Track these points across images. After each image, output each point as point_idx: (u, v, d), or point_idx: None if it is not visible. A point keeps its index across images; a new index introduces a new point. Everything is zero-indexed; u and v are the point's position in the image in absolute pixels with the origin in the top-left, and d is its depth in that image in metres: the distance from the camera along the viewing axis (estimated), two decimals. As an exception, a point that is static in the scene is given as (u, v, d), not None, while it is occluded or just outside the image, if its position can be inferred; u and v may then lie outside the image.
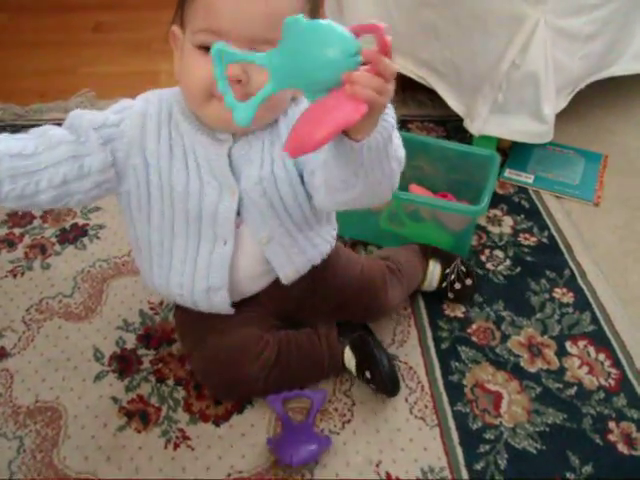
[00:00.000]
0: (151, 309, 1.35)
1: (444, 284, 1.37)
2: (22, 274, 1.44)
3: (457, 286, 1.37)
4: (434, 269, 1.38)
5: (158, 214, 1.03)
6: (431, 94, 1.93)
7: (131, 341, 1.29)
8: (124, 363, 1.25)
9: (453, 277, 1.36)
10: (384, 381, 1.15)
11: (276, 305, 1.19)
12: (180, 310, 1.20)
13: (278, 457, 1.07)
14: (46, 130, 0.97)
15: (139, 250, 1.11)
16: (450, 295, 1.38)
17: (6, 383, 1.21)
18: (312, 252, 1.14)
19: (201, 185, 1.00)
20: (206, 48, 0.87)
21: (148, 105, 1.00)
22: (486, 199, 1.37)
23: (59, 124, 1.86)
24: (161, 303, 1.36)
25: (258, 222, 1.05)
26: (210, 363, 1.14)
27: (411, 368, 1.25)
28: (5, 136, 0.93)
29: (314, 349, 1.18)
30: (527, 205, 1.69)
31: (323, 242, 1.16)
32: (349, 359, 1.19)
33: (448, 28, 1.70)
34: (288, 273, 1.13)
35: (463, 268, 1.38)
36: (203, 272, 1.07)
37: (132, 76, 2.24)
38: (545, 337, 1.33)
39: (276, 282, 1.15)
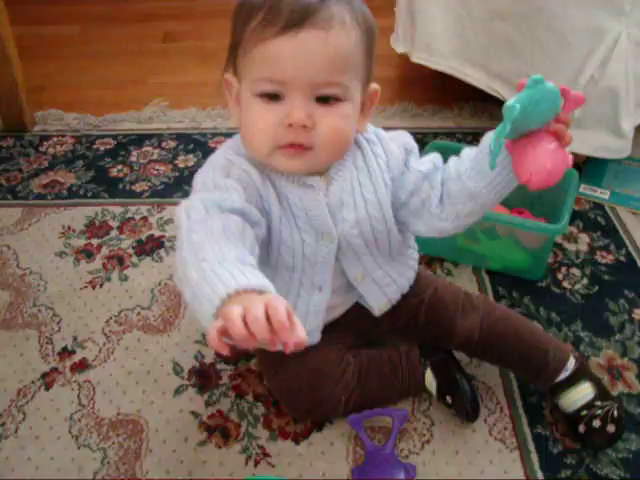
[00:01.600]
0: (229, 323, 1.35)
1: (584, 412, 1.13)
2: (101, 285, 1.46)
3: (596, 424, 1.11)
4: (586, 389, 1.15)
5: (270, 257, 1.01)
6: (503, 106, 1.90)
7: (210, 355, 1.30)
8: (203, 378, 1.26)
9: (599, 412, 1.12)
10: (465, 408, 1.15)
11: (352, 324, 1.18)
12: None
13: None
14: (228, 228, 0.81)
15: None
16: (581, 428, 1.13)
17: (89, 394, 1.23)
18: (401, 280, 1.15)
19: (300, 234, 0.97)
20: (268, 96, 0.86)
21: (241, 160, 0.94)
22: (566, 217, 1.34)
23: (133, 134, 1.90)
24: (238, 317, 1.37)
25: (353, 262, 1.06)
26: (292, 387, 1.14)
27: (489, 388, 1.24)
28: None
29: (395, 370, 1.17)
30: (603, 222, 1.66)
31: (409, 269, 1.17)
32: (430, 381, 1.18)
33: (524, 41, 1.68)
34: (381, 305, 1.15)
35: (615, 413, 1.12)
36: (300, 319, 1.07)
37: (201, 86, 2.27)
38: (625, 359, 1.30)
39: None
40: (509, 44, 1.73)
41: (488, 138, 0.95)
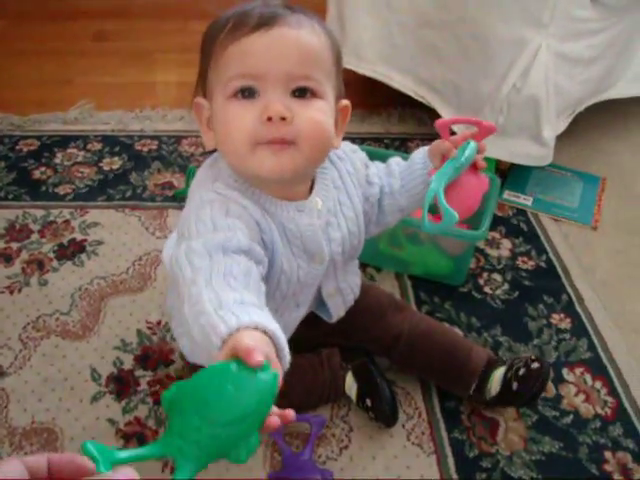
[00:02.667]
0: (149, 329, 1.34)
1: (508, 375, 1.16)
2: (19, 290, 1.43)
3: (522, 372, 1.14)
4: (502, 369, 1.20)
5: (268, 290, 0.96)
6: (430, 112, 1.92)
7: (128, 362, 1.28)
8: (121, 384, 1.24)
9: (518, 364, 1.16)
10: (385, 411, 1.15)
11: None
12: None
13: None
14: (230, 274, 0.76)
15: None
16: (514, 386, 1.14)
17: (2, 403, 1.20)
18: (356, 288, 1.17)
19: (296, 260, 0.96)
20: (242, 94, 0.84)
21: (235, 194, 0.90)
22: (486, 223, 1.36)
23: (57, 136, 1.83)
24: (159, 323, 1.36)
25: (330, 279, 1.07)
26: None
27: (408, 394, 1.25)
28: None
29: (316, 376, 1.18)
30: (525, 228, 1.69)
31: (357, 276, 1.19)
32: (350, 385, 1.19)
33: (449, 49, 1.70)
34: (340, 313, 1.16)
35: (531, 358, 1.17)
36: None
37: (130, 87, 2.23)
38: (542, 363, 1.33)
39: None
40: (436, 51, 1.76)
41: (417, 158, 1.04)
